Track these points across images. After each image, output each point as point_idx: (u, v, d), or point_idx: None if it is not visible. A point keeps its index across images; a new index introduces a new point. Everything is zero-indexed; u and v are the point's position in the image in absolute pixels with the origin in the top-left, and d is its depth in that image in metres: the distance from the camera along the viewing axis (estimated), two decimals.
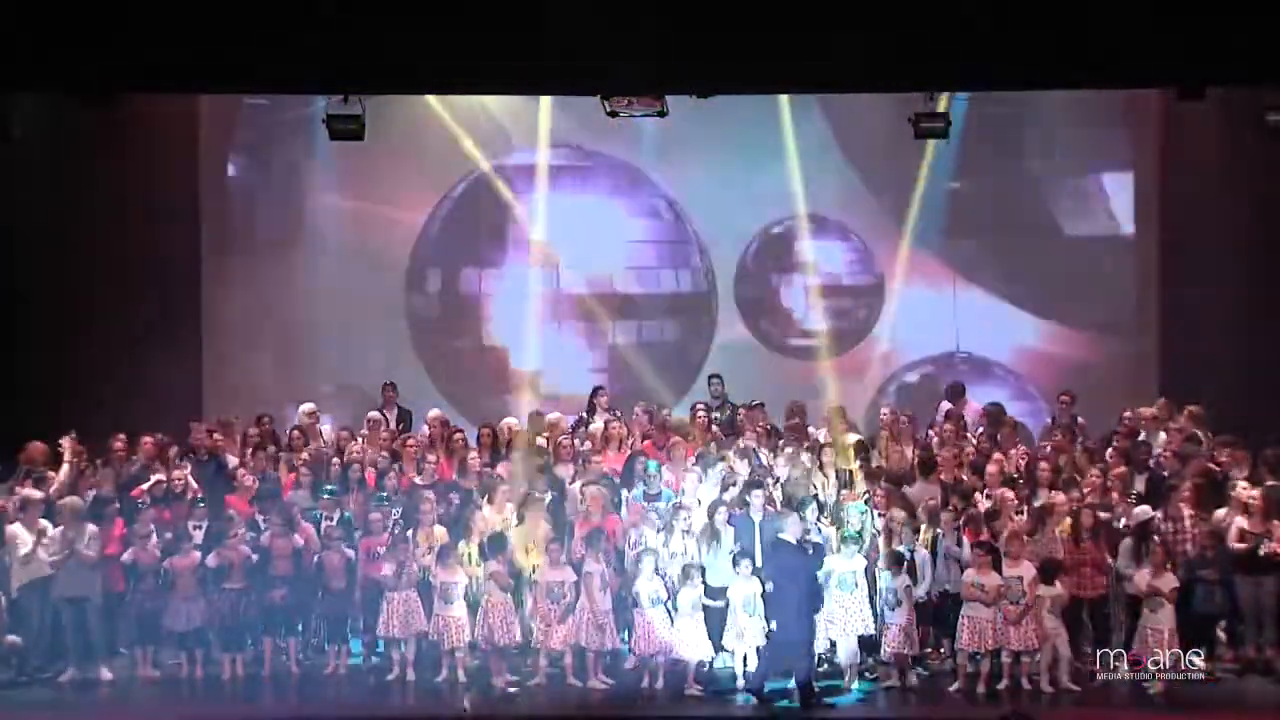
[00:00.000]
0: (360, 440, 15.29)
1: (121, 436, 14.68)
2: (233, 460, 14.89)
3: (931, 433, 15.53)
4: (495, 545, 13.41)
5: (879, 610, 13.15)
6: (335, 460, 14.75)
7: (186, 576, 13.40)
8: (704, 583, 13.15)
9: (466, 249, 18.70)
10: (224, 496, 14.04)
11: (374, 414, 15.96)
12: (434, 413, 16.04)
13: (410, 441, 14.97)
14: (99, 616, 13.44)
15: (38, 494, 13.60)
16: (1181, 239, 17.90)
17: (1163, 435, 15.02)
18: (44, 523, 13.48)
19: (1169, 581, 12.98)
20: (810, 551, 12.89)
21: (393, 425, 16.01)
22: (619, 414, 15.84)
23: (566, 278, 18.58)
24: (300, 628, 13.80)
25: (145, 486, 14.14)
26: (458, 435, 15.23)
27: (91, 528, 13.44)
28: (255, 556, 13.51)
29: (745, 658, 13.15)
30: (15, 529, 13.44)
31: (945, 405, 16.38)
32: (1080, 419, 15.73)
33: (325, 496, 14.06)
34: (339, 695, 13.25)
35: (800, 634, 12.68)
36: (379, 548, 13.57)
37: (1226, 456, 14.27)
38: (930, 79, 13.66)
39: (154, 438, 14.81)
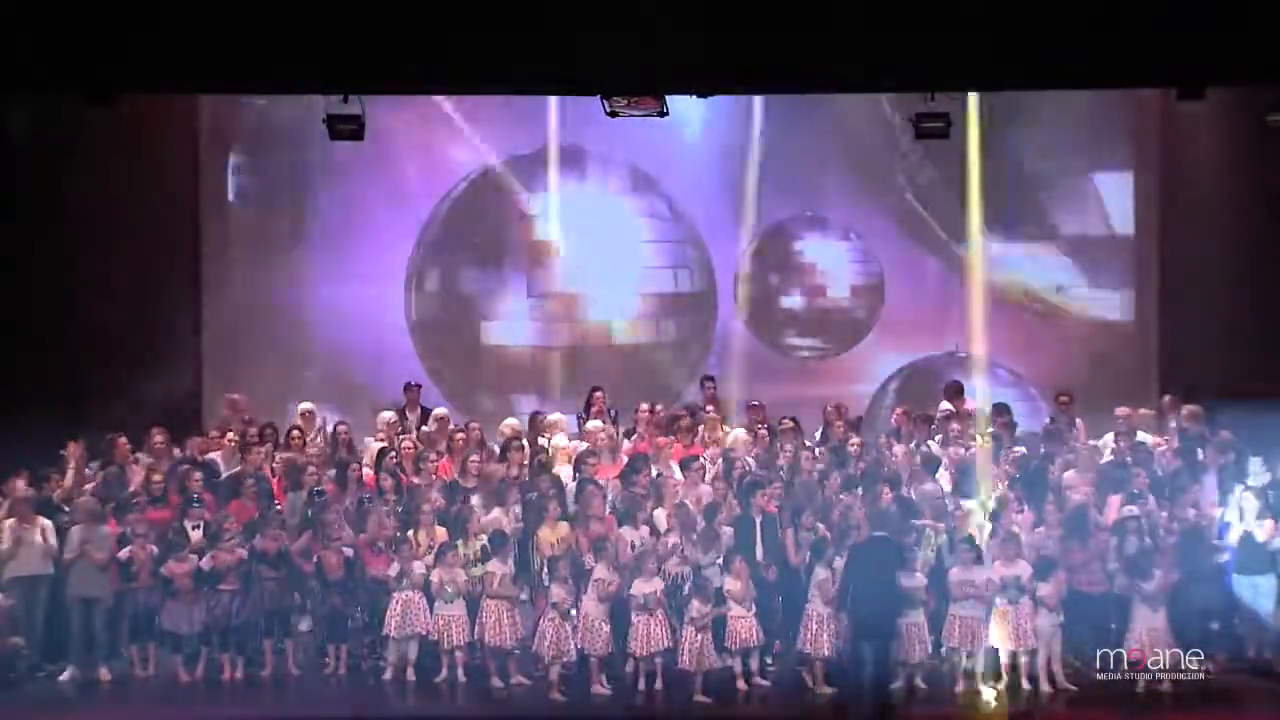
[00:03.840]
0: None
1: (124, 438, 14.72)
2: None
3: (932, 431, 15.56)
4: (497, 544, 13.40)
5: None
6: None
7: (184, 580, 13.40)
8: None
9: (467, 249, 18.69)
10: (218, 499, 14.04)
11: (386, 414, 15.91)
12: (439, 411, 16.02)
13: (407, 442, 14.94)
14: (106, 617, 13.45)
15: (28, 492, 13.59)
16: (1181, 239, 17.91)
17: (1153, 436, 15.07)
18: (45, 521, 13.49)
19: (1161, 580, 13.01)
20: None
21: (415, 425, 15.96)
22: (615, 414, 15.83)
23: (567, 277, 18.57)
24: (302, 628, 13.78)
25: (145, 480, 14.16)
26: (459, 435, 15.21)
27: (104, 529, 13.46)
28: (248, 557, 13.50)
29: (745, 660, 13.18)
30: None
31: (945, 405, 16.39)
32: (1079, 420, 15.73)
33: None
34: (339, 695, 13.25)
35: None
36: (379, 544, 13.56)
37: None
38: (930, 79, 13.66)
39: (164, 434, 14.90)
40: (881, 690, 12.60)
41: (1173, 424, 15.33)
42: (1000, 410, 15.87)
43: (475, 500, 13.93)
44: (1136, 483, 14.01)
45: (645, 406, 15.79)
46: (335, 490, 14.20)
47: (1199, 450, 14.65)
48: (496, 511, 13.80)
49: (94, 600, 13.40)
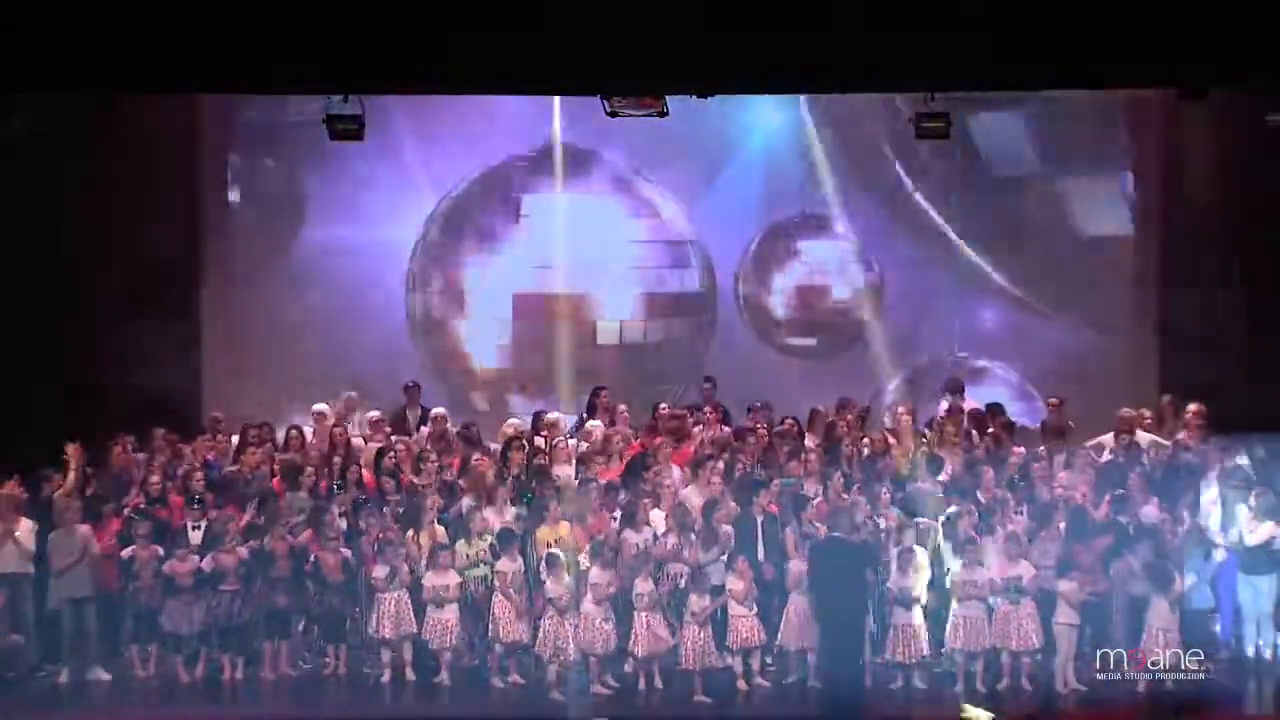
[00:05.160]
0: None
1: (122, 439, 14.70)
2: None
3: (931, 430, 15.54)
4: (505, 542, 13.39)
5: None
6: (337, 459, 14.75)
7: (185, 579, 13.40)
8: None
9: (467, 249, 18.69)
10: (219, 499, 14.04)
11: (374, 413, 15.87)
12: (439, 411, 16.01)
13: (401, 444, 14.91)
14: (99, 615, 13.43)
15: (15, 491, 13.57)
16: (1181, 239, 17.92)
17: (1149, 436, 15.06)
18: (27, 522, 13.46)
19: (1180, 582, 13.00)
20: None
21: (414, 425, 15.94)
22: (618, 412, 15.83)
23: (567, 278, 18.56)
24: (301, 628, 13.78)
25: (143, 480, 14.15)
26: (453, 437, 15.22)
27: (83, 529, 13.43)
28: (249, 557, 13.51)
29: (746, 660, 13.17)
30: None
31: (944, 403, 16.39)
32: (1071, 422, 15.70)
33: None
34: (338, 696, 13.25)
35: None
36: (375, 545, 13.57)
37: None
38: (930, 79, 13.66)
39: (164, 434, 14.91)
40: (846, 689, 12.53)
41: (1173, 425, 15.31)
42: (997, 411, 15.86)
43: (466, 501, 13.92)
44: (1135, 484, 14.00)
45: (623, 408, 15.78)
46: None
47: (1199, 451, 14.64)
48: (499, 510, 13.81)
49: (84, 600, 13.38)
